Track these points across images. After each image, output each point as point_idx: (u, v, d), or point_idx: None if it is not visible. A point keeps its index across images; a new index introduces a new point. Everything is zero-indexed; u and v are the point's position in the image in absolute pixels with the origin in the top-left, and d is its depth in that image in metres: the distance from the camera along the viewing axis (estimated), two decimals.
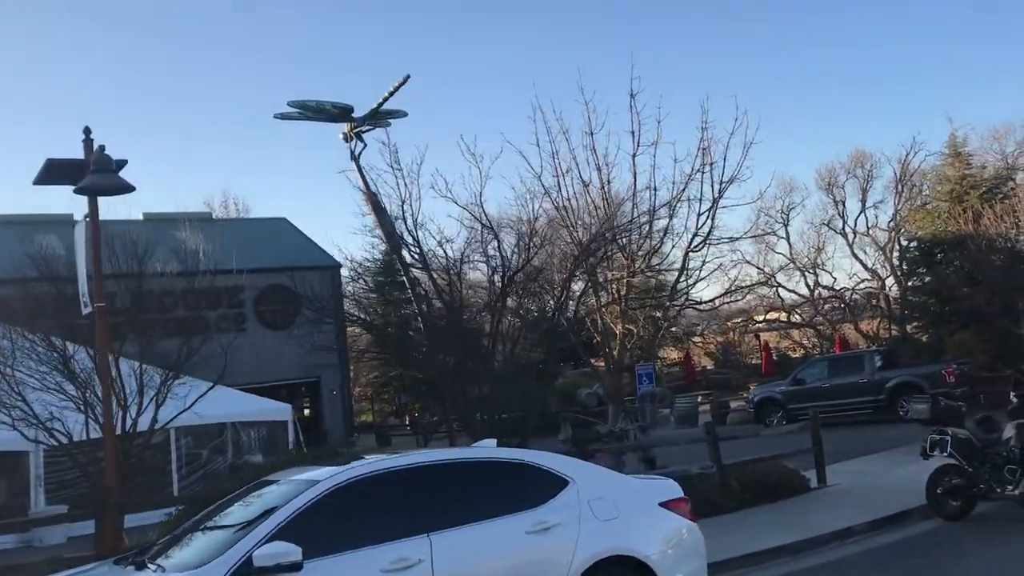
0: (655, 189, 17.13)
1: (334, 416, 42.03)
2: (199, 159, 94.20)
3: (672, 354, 53.90)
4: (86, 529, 14.94)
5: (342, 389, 42.39)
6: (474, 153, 14.52)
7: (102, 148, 8.86)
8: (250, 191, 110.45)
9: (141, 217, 37.67)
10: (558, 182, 17.60)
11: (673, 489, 7.03)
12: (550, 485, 6.34)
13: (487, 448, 6.80)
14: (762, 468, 13.82)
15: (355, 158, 19.77)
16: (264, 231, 44.62)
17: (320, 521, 5.55)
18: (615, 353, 17.63)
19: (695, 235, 17.68)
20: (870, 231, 45.65)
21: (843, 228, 46.10)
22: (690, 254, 18.05)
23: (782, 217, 45.75)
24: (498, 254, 14.11)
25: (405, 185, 14.31)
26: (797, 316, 48.80)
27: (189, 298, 36.13)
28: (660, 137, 17.30)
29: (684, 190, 17.02)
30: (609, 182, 17.36)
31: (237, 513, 6.03)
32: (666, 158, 18.03)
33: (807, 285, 47.09)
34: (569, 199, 17.55)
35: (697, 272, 19.05)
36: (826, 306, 47.90)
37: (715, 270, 18.62)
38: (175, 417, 14.89)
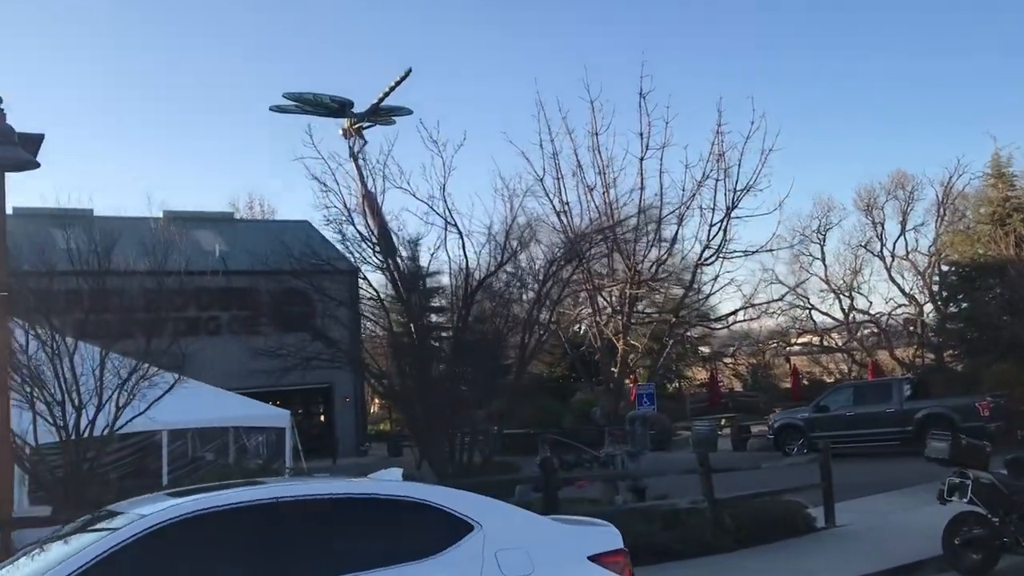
0: (663, 194, 15.84)
1: (346, 424, 41.09)
2: (229, 159, 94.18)
3: (700, 374, 52.46)
4: None
5: (355, 396, 41.41)
6: (436, 141, 13.31)
7: (2, 116, 7.81)
8: (277, 193, 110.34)
9: (161, 215, 37.16)
10: (558, 184, 16.41)
11: (609, 538, 5.76)
12: (449, 530, 5.12)
13: (380, 482, 5.59)
14: (761, 504, 12.48)
15: (354, 156, 18.79)
16: (285, 233, 43.96)
17: (131, 571, 4.40)
18: (615, 370, 16.34)
19: (706, 247, 16.34)
20: (909, 255, 44.09)
21: (881, 251, 44.61)
22: (701, 268, 16.72)
23: (818, 237, 44.50)
24: (463, 255, 12.86)
25: (371, 177, 13.05)
26: (832, 340, 47.21)
27: (202, 298, 35.50)
28: (669, 140, 16.04)
29: (694, 197, 15.71)
30: (615, 186, 16.12)
31: (51, 551, 4.88)
32: (676, 163, 16.68)
33: (842, 308, 45.61)
34: (568, 203, 16.33)
35: (709, 286, 17.76)
36: (863, 331, 46.29)
37: (726, 284, 17.25)
38: (127, 423, 13.99)
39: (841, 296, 45.25)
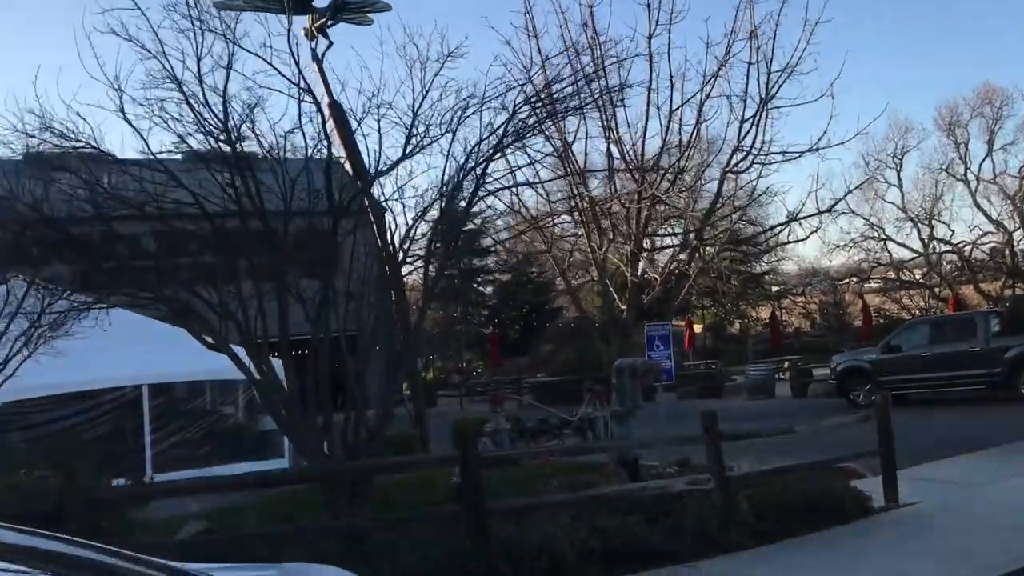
0: (677, 82, 12.33)
1: (376, 375, 38.53)
2: None
3: (766, 313, 48.90)
4: None
5: (386, 345, 38.84)
6: None
7: None
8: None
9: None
10: (543, 68, 13.02)
11: None
12: None
13: None
14: (793, 481, 9.18)
15: (318, 59, 15.98)
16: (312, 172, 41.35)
17: None
18: (623, 309, 13.08)
19: (736, 148, 12.86)
20: (997, 178, 39.83)
21: (965, 174, 40.47)
22: (730, 175, 13.27)
23: (894, 162, 40.50)
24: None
25: (222, 36, 9.15)
26: (911, 274, 43.15)
27: (217, 243, 33.10)
28: (683, 8, 12.53)
29: (716, 79, 12.16)
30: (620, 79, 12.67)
31: None
32: (696, 41, 13.12)
33: (920, 239, 41.52)
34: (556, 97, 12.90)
35: (745, 197, 14.28)
36: (944, 263, 42.17)
37: (761, 194, 13.77)
38: None
39: (920, 225, 41.31)
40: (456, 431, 7.26)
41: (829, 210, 16.18)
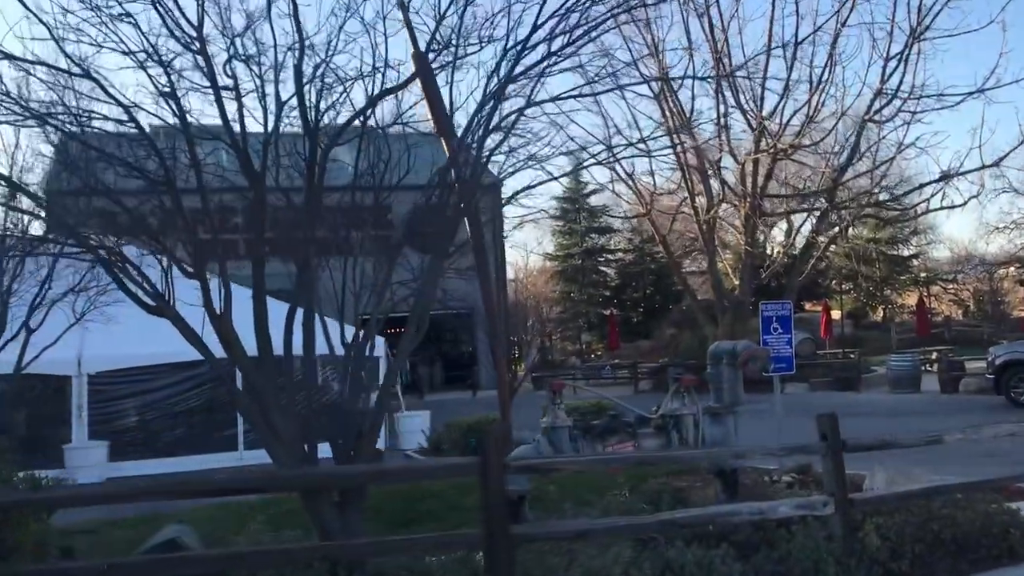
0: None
1: (489, 352, 37.23)
2: None
3: (912, 299, 45.46)
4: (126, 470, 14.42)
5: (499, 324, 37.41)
6: None
7: None
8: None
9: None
10: None
11: None
12: None
13: None
14: (941, 507, 7.01)
15: (403, 6, 14.35)
16: (421, 144, 40.64)
17: None
18: (737, 281, 11.01)
19: (879, 91, 10.61)
20: None
21: None
22: (871, 123, 11.00)
23: None
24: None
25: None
26: None
27: (330, 216, 32.34)
28: None
29: (852, 3, 9.93)
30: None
31: None
32: None
33: None
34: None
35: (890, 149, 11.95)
36: None
37: (907, 147, 11.39)
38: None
39: None
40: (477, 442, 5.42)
41: (997, 163, 13.49)
